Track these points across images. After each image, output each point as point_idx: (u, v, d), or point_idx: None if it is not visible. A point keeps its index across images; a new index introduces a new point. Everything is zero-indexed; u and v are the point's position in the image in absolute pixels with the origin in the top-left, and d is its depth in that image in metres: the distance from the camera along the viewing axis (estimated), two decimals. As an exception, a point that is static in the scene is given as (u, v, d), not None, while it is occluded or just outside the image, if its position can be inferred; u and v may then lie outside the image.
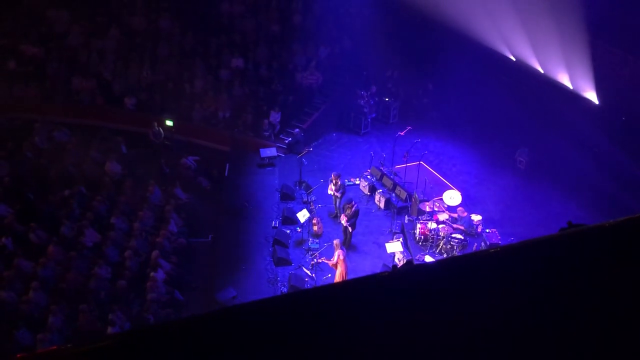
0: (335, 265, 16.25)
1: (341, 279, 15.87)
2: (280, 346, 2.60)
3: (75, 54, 24.90)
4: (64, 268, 16.73)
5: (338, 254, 16.17)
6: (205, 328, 2.70)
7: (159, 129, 22.47)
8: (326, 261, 16.65)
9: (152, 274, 16.32)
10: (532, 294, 2.92)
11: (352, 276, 16.08)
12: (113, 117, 23.71)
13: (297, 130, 23.18)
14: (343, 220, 18.11)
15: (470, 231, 18.42)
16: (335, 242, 16.59)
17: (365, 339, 2.64)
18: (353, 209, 17.99)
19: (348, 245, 18.17)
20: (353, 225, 18.09)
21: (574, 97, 21.24)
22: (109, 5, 26.03)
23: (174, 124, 22.79)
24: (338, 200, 19.39)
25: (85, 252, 17.35)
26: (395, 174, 21.05)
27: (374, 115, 24.52)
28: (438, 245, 18.08)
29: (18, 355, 2.57)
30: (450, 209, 18.85)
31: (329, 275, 17.15)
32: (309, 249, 18.23)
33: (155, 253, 17.03)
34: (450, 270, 3.12)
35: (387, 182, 20.67)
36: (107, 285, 16.40)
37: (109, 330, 14.65)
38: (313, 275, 17.10)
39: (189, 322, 2.77)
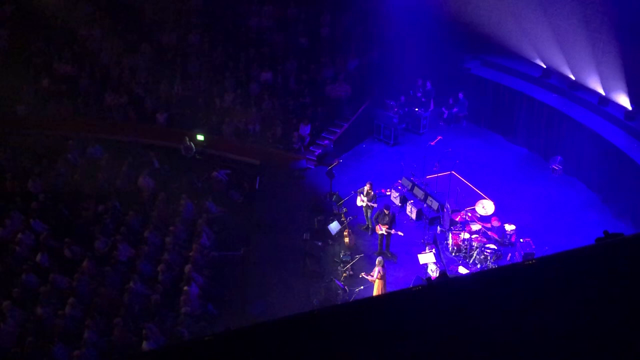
0: (374, 280, 16.23)
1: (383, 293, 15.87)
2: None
3: (107, 71, 25.28)
4: (98, 283, 16.90)
5: (378, 270, 16.15)
6: (241, 343, 2.69)
7: (190, 144, 22.67)
8: (366, 277, 16.62)
9: (185, 287, 16.40)
10: (568, 306, 2.86)
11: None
12: (145, 133, 23.98)
13: (327, 142, 23.21)
14: (383, 229, 18.05)
15: (503, 241, 18.21)
16: (378, 259, 16.54)
17: (401, 352, 2.61)
18: (390, 214, 18.02)
19: (388, 251, 18.25)
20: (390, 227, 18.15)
21: (606, 103, 20.94)
22: (140, 23, 26.38)
23: (205, 138, 22.98)
24: (370, 211, 19.33)
25: (119, 266, 17.50)
26: (427, 184, 20.93)
27: (403, 125, 24.45)
28: (471, 256, 17.90)
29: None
30: (484, 218, 18.66)
31: (362, 287, 17.07)
32: (341, 261, 18.17)
33: (188, 267, 17.13)
34: (485, 283, 3.08)
35: (419, 192, 20.55)
36: (141, 299, 16.50)
37: (144, 344, 14.74)
38: (346, 287, 17.03)
39: (225, 338, 2.76)
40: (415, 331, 2.70)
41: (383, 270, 16.20)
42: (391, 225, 18.16)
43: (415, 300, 2.83)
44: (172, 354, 2.82)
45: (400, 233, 18.34)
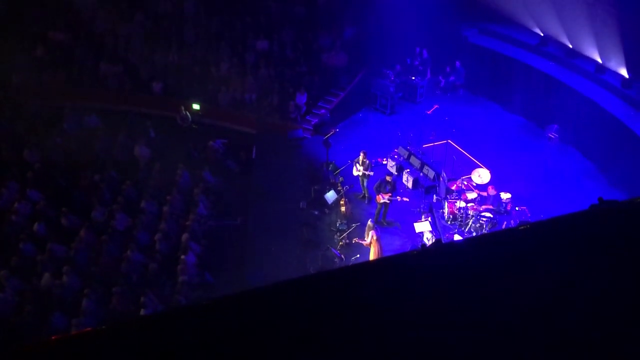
0: (369, 245, 16.30)
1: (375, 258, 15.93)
2: (313, 324, 2.60)
3: (102, 39, 25.08)
4: (96, 252, 16.97)
5: (371, 235, 16.20)
6: (238, 308, 2.72)
7: (186, 113, 22.60)
8: (360, 241, 16.71)
9: (182, 256, 16.48)
10: (562, 272, 2.89)
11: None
12: (140, 102, 23.89)
13: (324, 111, 23.14)
14: (386, 197, 18.09)
15: (499, 209, 18.28)
16: (369, 223, 16.60)
17: (395, 317, 2.64)
18: (392, 182, 18.10)
19: (384, 220, 18.38)
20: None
21: (603, 71, 20.88)
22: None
23: (201, 107, 22.90)
24: (366, 180, 19.35)
25: (116, 235, 17.56)
26: (423, 153, 20.94)
27: (400, 94, 24.36)
28: (467, 224, 17.98)
29: (52, 337, 2.61)
30: (480, 187, 18.70)
31: (358, 255, 17.17)
32: (337, 230, 18.24)
33: (185, 236, 17.20)
34: (479, 248, 3.10)
35: (415, 161, 20.56)
36: (139, 268, 16.59)
37: (142, 312, 14.85)
38: (342, 256, 17.13)
39: (222, 303, 2.78)
40: (409, 295, 2.72)
41: (376, 234, 16.26)
42: (393, 192, 18.22)
43: (409, 264, 2.85)
44: (169, 318, 2.84)
45: (405, 199, 18.39)
